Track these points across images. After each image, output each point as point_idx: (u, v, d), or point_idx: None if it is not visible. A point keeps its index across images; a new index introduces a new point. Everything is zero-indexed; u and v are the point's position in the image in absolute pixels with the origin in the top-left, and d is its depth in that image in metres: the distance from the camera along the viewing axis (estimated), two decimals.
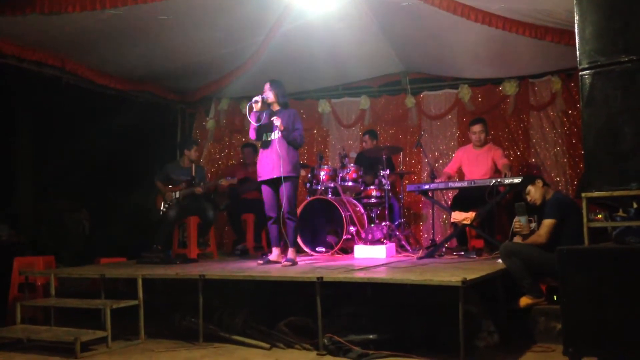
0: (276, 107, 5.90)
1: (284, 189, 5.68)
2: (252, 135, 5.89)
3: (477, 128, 6.71)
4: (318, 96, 8.62)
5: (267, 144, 5.82)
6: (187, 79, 8.02)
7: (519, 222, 4.98)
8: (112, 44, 6.47)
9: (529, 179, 5.21)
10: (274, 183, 5.74)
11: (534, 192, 5.04)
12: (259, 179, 5.88)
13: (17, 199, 8.90)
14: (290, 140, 5.74)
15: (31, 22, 5.62)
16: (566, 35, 5.55)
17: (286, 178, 5.68)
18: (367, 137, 7.72)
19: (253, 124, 5.78)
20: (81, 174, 8.63)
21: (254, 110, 5.76)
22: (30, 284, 5.99)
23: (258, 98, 5.76)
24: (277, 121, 5.69)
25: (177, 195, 6.80)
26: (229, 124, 9.02)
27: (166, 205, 6.80)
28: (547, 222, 4.74)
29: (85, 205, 8.80)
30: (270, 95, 5.84)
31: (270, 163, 5.72)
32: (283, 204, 5.70)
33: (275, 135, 5.75)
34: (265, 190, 5.85)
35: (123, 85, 7.59)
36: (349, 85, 8.55)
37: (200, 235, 6.93)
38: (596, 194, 3.74)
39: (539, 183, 5.09)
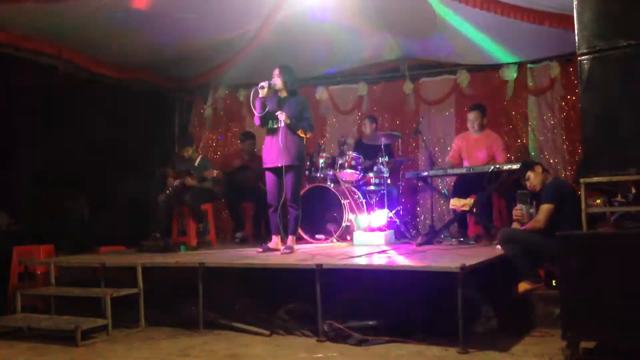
0: (284, 94, 5.83)
1: (288, 178, 5.66)
2: (256, 121, 5.84)
3: (472, 115, 6.68)
4: (316, 83, 8.58)
5: (273, 132, 5.75)
6: (184, 66, 7.99)
7: (521, 210, 4.98)
8: (109, 32, 6.44)
9: (528, 165, 5.18)
10: (279, 171, 5.69)
11: (534, 178, 5.02)
12: (264, 166, 5.85)
13: (16, 187, 8.88)
14: (298, 131, 5.69)
15: (28, 10, 5.58)
16: (565, 20, 5.51)
17: (290, 167, 5.66)
18: (367, 121, 7.71)
19: (255, 113, 5.72)
20: (80, 162, 8.60)
21: (260, 96, 5.71)
22: (30, 273, 5.99)
23: (264, 84, 5.68)
24: (281, 116, 5.62)
25: (176, 184, 6.81)
26: (226, 112, 8.99)
27: (166, 192, 6.82)
28: (545, 207, 4.74)
29: (84, 193, 8.78)
30: (277, 82, 5.76)
31: (276, 151, 5.67)
32: (287, 193, 5.68)
33: (282, 123, 5.67)
34: (269, 178, 5.82)
35: (120, 74, 7.57)
36: (347, 72, 8.52)
37: (194, 220, 6.89)
38: (595, 179, 3.74)
39: (538, 169, 5.07)
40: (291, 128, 5.66)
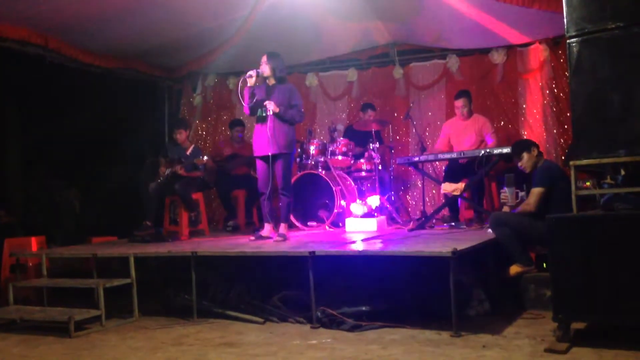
0: (272, 82, 5.79)
1: (278, 166, 5.65)
2: (246, 111, 5.81)
3: (459, 103, 6.66)
4: (306, 70, 8.55)
5: (262, 120, 5.71)
6: (173, 54, 7.92)
7: (506, 193, 4.99)
8: (96, 20, 6.37)
9: (525, 145, 5.05)
10: (269, 159, 5.67)
11: (527, 160, 4.96)
12: (255, 154, 5.83)
13: (6, 179, 8.83)
14: (287, 119, 5.66)
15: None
16: (553, 2, 5.52)
17: (280, 155, 5.64)
18: (370, 110, 7.63)
19: (243, 103, 5.69)
20: (70, 152, 8.56)
21: (248, 85, 5.67)
22: (22, 265, 5.97)
23: (252, 72, 5.64)
24: (270, 105, 5.60)
25: (167, 173, 6.77)
26: (216, 100, 8.95)
27: (157, 181, 6.78)
28: (536, 191, 4.76)
29: (74, 184, 8.76)
30: (266, 69, 5.72)
31: (265, 139, 5.65)
32: (277, 181, 5.67)
33: (270, 111, 5.64)
34: (260, 166, 5.80)
35: (108, 63, 7.49)
36: (336, 58, 8.48)
37: (186, 209, 6.85)
38: (584, 161, 3.76)
39: (534, 151, 4.98)
40: (279, 117, 5.64)
